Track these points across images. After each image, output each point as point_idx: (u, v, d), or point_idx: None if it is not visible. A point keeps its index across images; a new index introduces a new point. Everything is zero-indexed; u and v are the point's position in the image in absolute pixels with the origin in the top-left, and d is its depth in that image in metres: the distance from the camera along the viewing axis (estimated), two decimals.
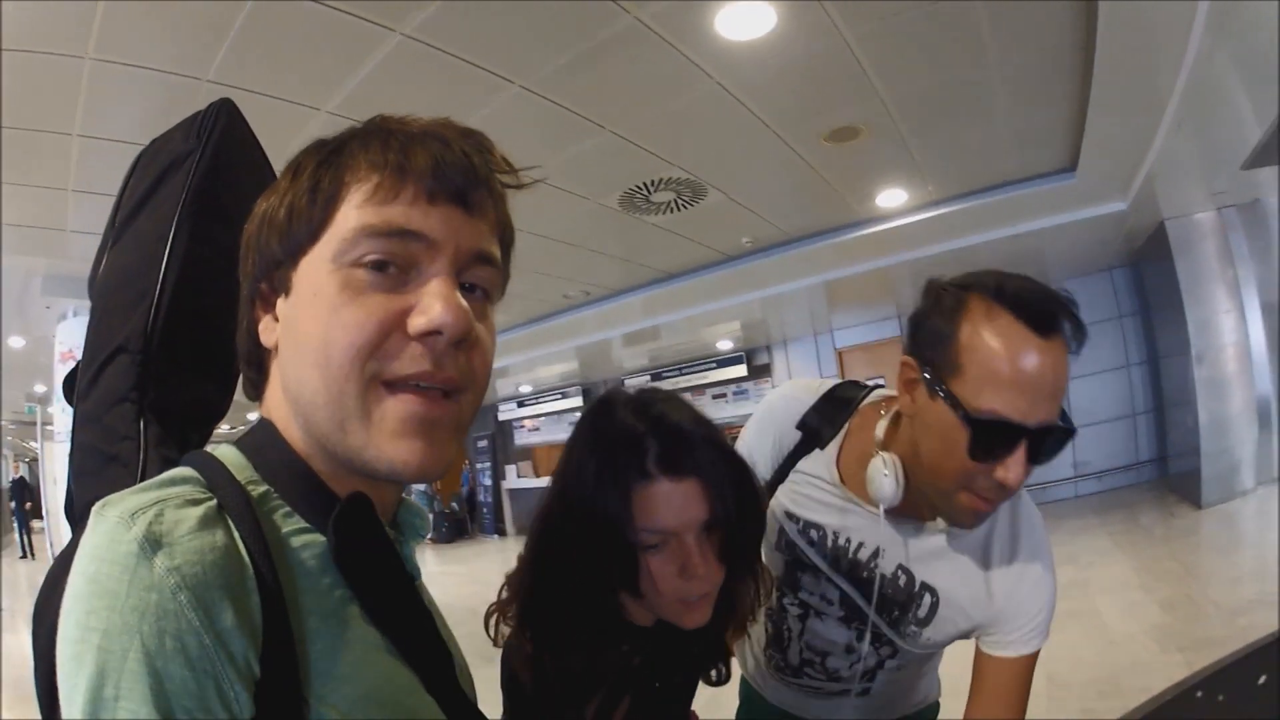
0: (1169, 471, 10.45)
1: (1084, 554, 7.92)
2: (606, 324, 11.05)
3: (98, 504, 0.66)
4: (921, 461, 1.41)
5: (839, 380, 1.75)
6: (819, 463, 1.63)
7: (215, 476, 0.74)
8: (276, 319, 0.82)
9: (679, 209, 6.94)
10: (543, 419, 18.09)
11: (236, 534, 0.68)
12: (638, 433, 1.16)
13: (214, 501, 0.70)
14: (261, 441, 0.82)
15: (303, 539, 0.76)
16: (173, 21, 3.58)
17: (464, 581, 11.98)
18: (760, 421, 1.75)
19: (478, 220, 0.82)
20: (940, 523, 1.52)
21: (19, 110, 4.09)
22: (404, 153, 0.78)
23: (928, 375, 1.35)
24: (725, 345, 13.93)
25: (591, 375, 15.80)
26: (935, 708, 1.95)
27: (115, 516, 0.64)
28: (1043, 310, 1.26)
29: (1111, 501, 10.33)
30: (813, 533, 1.63)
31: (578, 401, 16.54)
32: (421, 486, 17.86)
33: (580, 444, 1.21)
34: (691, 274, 9.15)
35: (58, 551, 1.05)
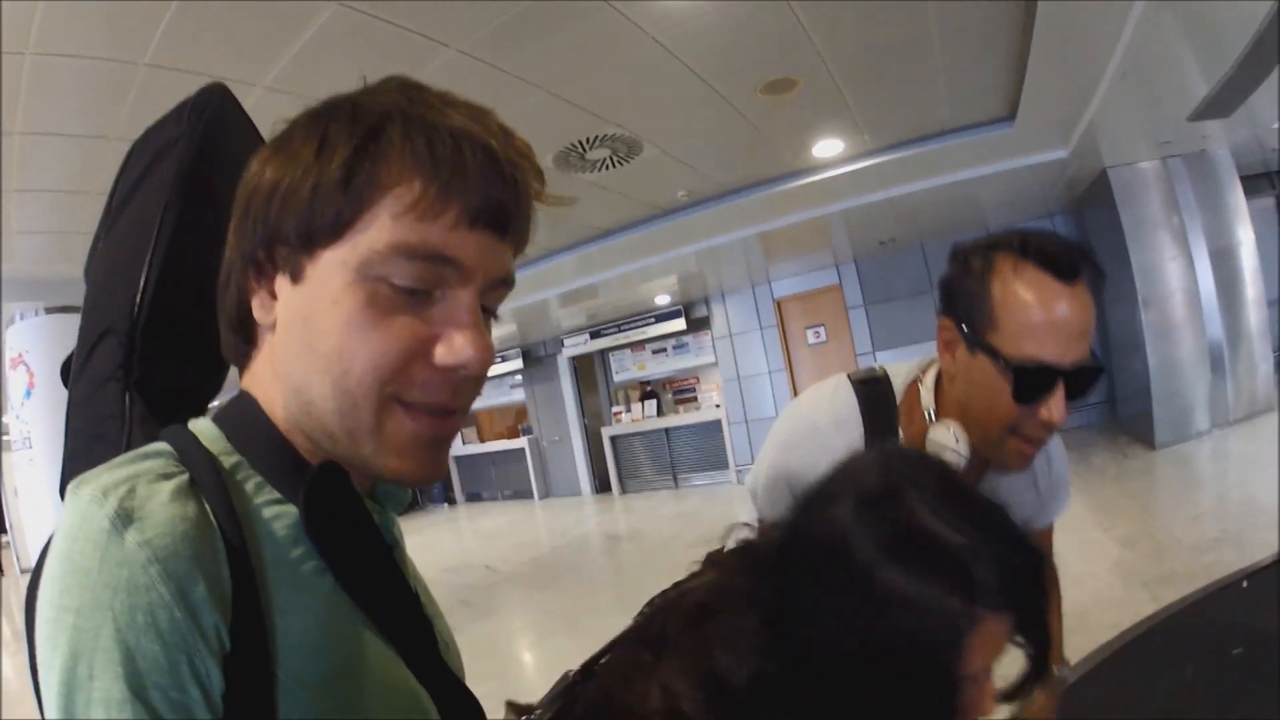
0: (1120, 415, 10.72)
1: None
2: (543, 284, 10.99)
3: (73, 482, 0.67)
4: (971, 415, 1.50)
5: (850, 380, 1.71)
6: None
7: (188, 450, 0.74)
8: (273, 296, 0.80)
9: (614, 165, 6.90)
10: (485, 384, 17.89)
11: (208, 507, 0.69)
12: (967, 552, 0.88)
13: (186, 475, 0.70)
14: (236, 414, 0.82)
15: (275, 510, 0.75)
16: (107, 8, 3.47)
17: (416, 553, 11.94)
18: (804, 459, 1.54)
19: (508, 244, 0.81)
20: (989, 477, 1.64)
21: (66, 117, 4.09)
22: (453, 163, 0.74)
23: (966, 332, 1.44)
24: (663, 300, 13.95)
25: (530, 336, 15.72)
26: None
27: (88, 494, 0.65)
28: (1065, 259, 1.36)
29: (1064, 442, 10.58)
30: None
31: (518, 364, 16.48)
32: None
33: (871, 555, 0.90)
34: (627, 230, 9.12)
35: (25, 565, 1.02)
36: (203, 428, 0.80)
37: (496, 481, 17.14)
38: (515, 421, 17.55)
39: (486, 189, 0.75)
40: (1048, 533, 1.91)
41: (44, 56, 3.68)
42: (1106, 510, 7.11)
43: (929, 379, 1.62)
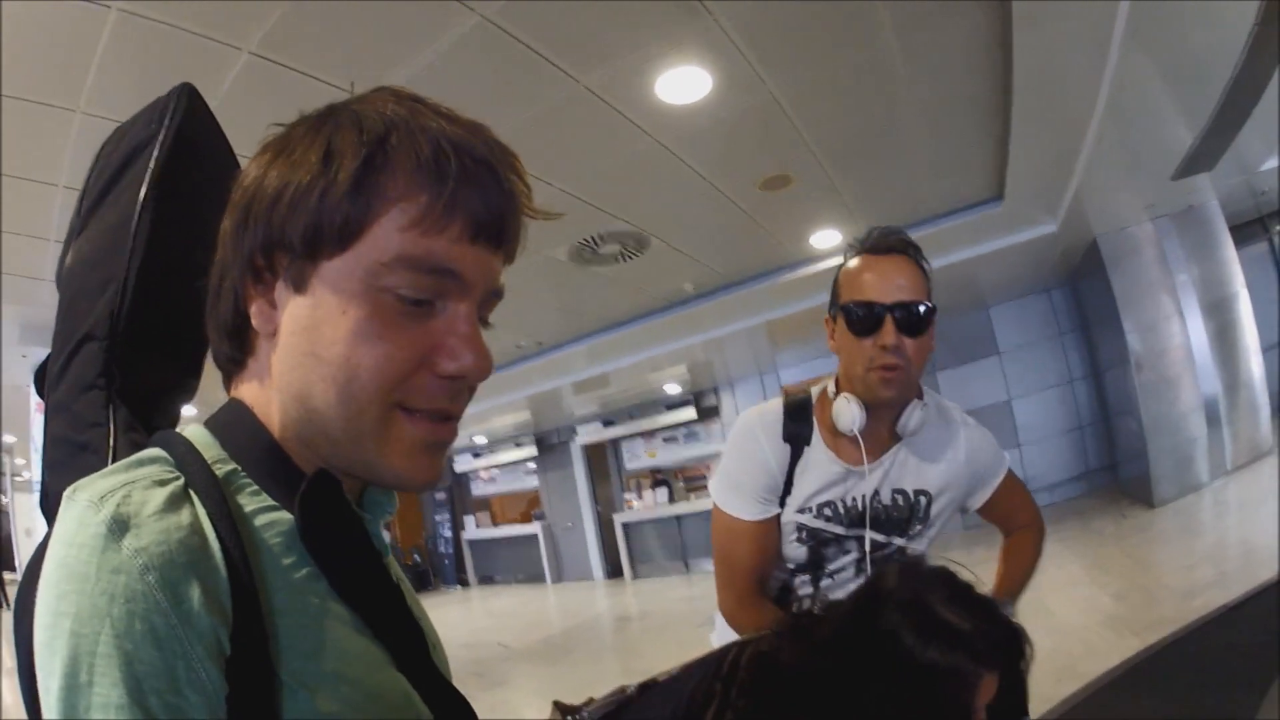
0: (1121, 477, 10.70)
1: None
2: (556, 372, 11.17)
3: (68, 489, 0.67)
4: (848, 374, 1.96)
5: (783, 394, 2.13)
6: (817, 452, 2.02)
7: (183, 456, 0.75)
8: (272, 305, 0.80)
9: (625, 259, 7.20)
10: (498, 469, 18.04)
11: (204, 513, 0.69)
12: (972, 634, 1.24)
13: (181, 481, 0.70)
14: (230, 421, 0.83)
15: (269, 516, 0.76)
16: (165, 77, 3.65)
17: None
18: (744, 456, 2.06)
19: (501, 256, 0.83)
20: (893, 452, 2.02)
21: (6, 157, 4.09)
22: (457, 180, 0.76)
23: (830, 314, 1.99)
24: (673, 389, 14.14)
25: (544, 424, 15.88)
26: None
27: (84, 500, 0.65)
28: (880, 241, 1.93)
29: (1064, 511, 10.61)
30: (827, 510, 2.01)
31: (532, 451, 16.61)
32: (385, 540, 17.76)
33: (912, 640, 1.23)
34: (637, 320, 9.34)
35: None
36: (196, 434, 0.81)
37: (509, 565, 17.13)
38: (528, 507, 17.58)
39: (487, 204, 0.78)
40: (1010, 484, 2.18)
41: (94, 117, 3.89)
42: (1102, 569, 7.20)
43: (833, 379, 2.06)
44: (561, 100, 4.39)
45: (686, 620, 9.49)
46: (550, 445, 16.57)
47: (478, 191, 0.78)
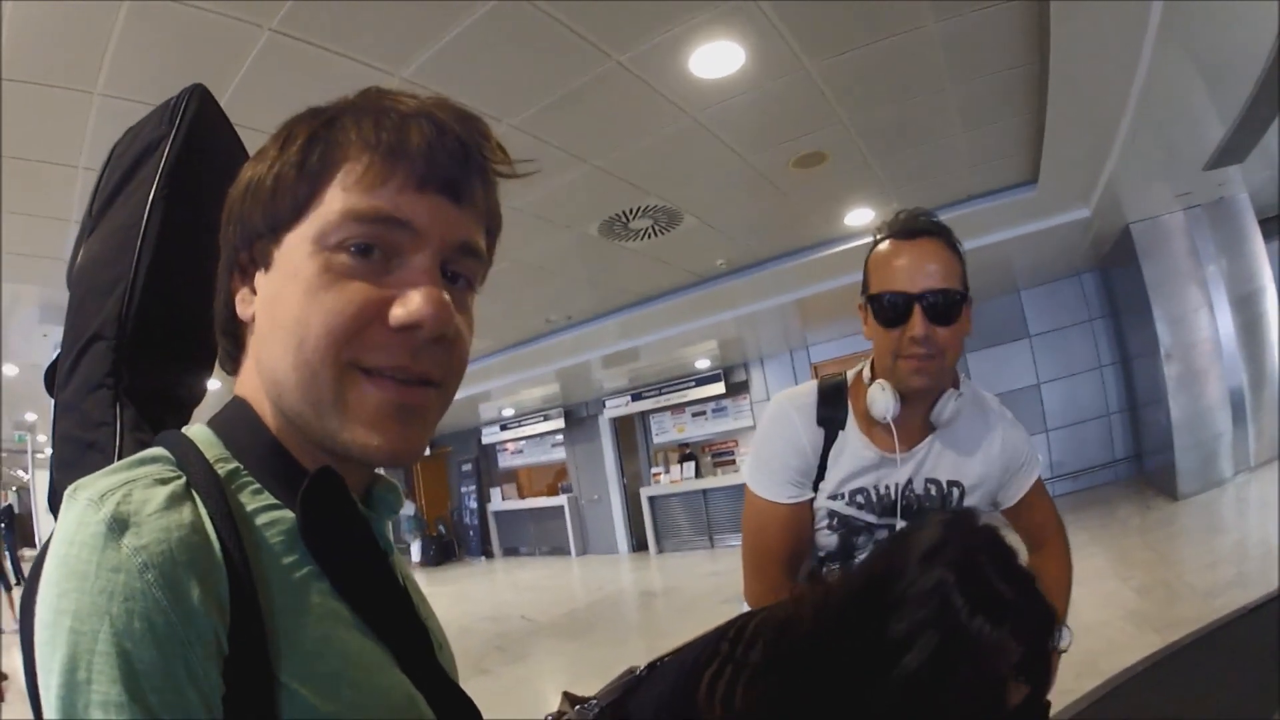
0: (1145, 468, 10.67)
1: None
2: (586, 346, 11.22)
3: (70, 488, 0.67)
4: (879, 363, 1.92)
5: (818, 379, 2.08)
6: (852, 437, 1.97)
7: (185, 455, 0.74)
8: (254, 292, 0.82)
9: (656, 235, 7.20)
10: (525, 441, 18.14)
11: (204, 512, 0.69)
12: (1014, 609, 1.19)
13: (182, 480, 0.70)
14: (232, 419, 0.83)
15: (271, 515, 0.76)
16: (183, 58, 3.67)
17: (453, 601, 12.22)
18: (777, 438, 2.01)
19: (466, 210, 0.82)
20: (929, 441, 1.97)
21: (27, 141, 4.13)
22: (397, 134, 0.77)
23: (862, 302, 1.90)
24: (703, 364, 14.15)
25: (573, 397, 15.95)
26: None
27: (85, 499, 0.65)
28: (906, 225, 1.85)
29: (1089, 499, 10.58)
30: (859, 497, 1.97)
31: (560, 424, 16.72)
32: (410, 511, 17.91)
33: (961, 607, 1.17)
34: (668, 296, 9.36)
35: None
36: (199, 433, 0.81)
37: (534, 537, 17.25)
38: (555, 480, 17.70)
39: (431, 155, 0.78)
40: (1040, 491, 2.12)
41: (111, 99, 3.88)
42: (1126, 562, 7.18)
43: (869, 362, 2.02)
44: (593, 76, 4.35)
45: (711, 596, 9.55)
46: (579, 418, 16.65)
47: (420, 144, 0.78)
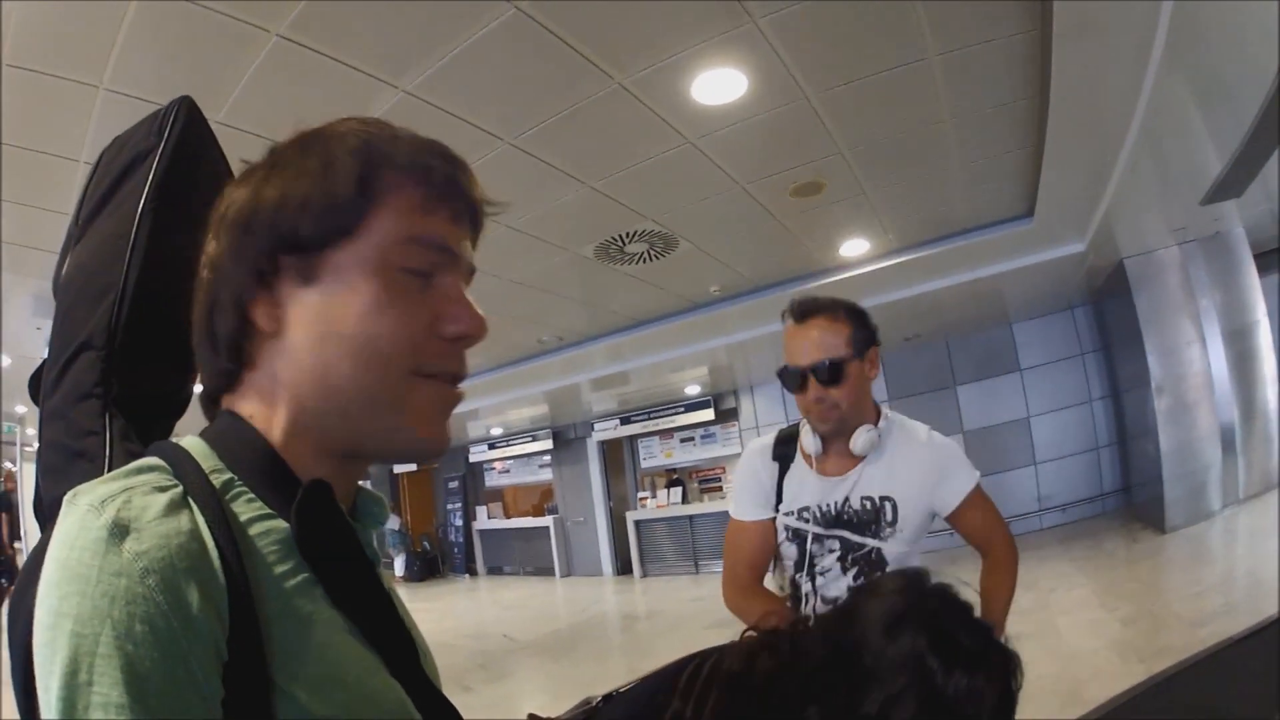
0: (1134, 500, 10.70)
1: (1045, 580, 8.13)
2: (577, 368, 11.21)
3: (69, 493, 0.68)
4: (800, 412, 2.40)
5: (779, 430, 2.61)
6: (798, 468, 2.46)
7: (181, 464, 0.76)
8: (277, 303, 0.83)
9: (651, 259, 7.22)
10: (512, 461, 18.13)
11: (201, 519, 0.70)
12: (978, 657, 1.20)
13: (180, 488, 0.71)
14: (225, 431, 0.84)
15: (265, 524, 0.77)
16: (190, 57, 3.67)
17: (436, 618, 12.13)
18: (744, 473, 2.57)
19: (472, 241, 0.92)
20: (860, 467, 2.38)
21: (27, 130, 4.09)
22: (444, 176, 0.86)
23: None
24: (693, 390, 14.16)
25: (561, 419, 15.94)
26: None
27: (85, 504, 0.66)
28: (797, 310, 2.32)
29: (1077, 531, 10.65)
30: (805, 513, 2.42)
31: (548, 445, 16.70)
32: (394, 525, 17.89)
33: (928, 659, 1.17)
34: (661, 320, 9.38)
35: None
36: (192, 444, 0.82)
37: (519, 557, 17.20)
38: (541, 500, 17.67)
39: (464, 192, 0.88)
40: (979, 503, 2.43)
41: (113, 94, 3.86)
42: (1111, 592, 7.20)
43: None
44: (595, 96, 4.37)
45: (694, 620, 9.49)
46: (566, 440, 16.65)
47: (457, 182, 0.87)
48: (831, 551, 2.42)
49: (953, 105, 4.99)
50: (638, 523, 15.05)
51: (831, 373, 2.25)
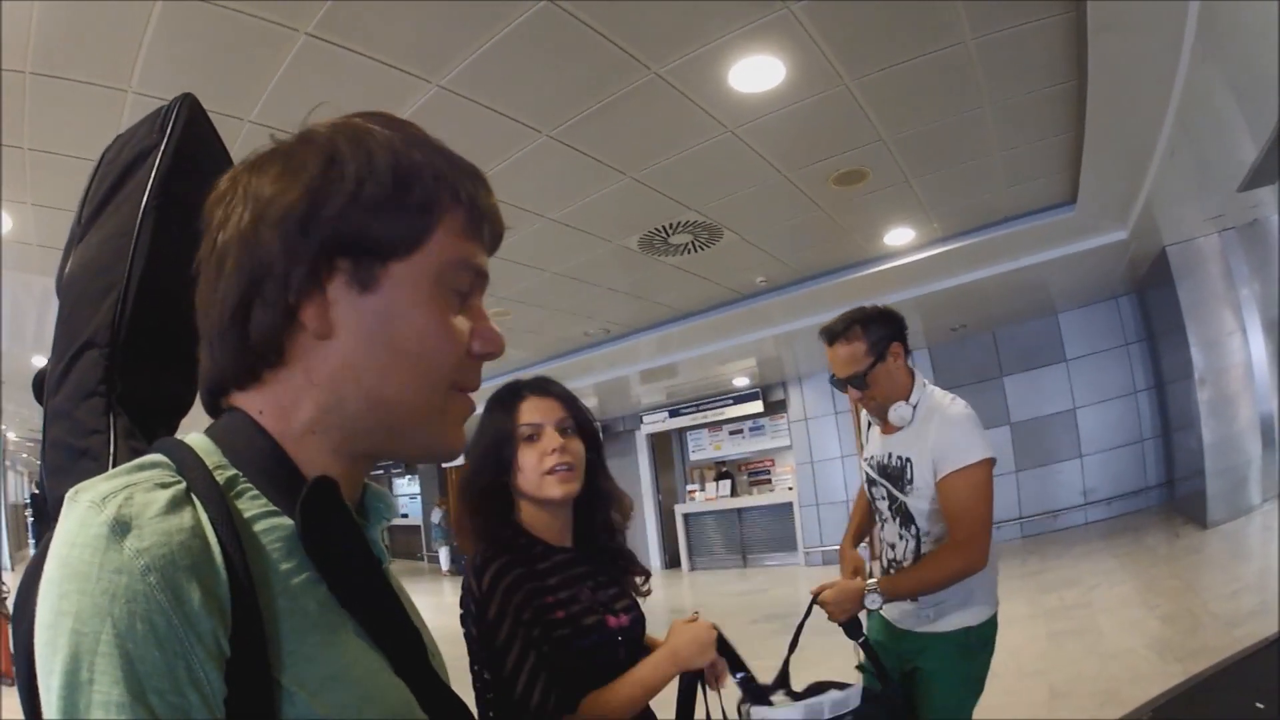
0: (1176, 495, 10.53)
1: (1088, 576, 8.08)
2: (624, 361, 11.25)
3: (70, 491, 0.68)
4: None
5: None
6: (873, 431, 3.12)
7: (184, 461, 0.75)
8: (327, 305, 0.81)
9: (696, 250, 7.22)
10: None
11: (204, 516, 0.70)
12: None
13: (183, 485, 0.71)
14: (231, 428, 0.84)
15: (270, 522, 0.77)
16: (218, 59, 3.73)
17: None
18: None
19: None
20: (899, 434, 2.87)
21: (58, 137, 4.17)
22: (483, 201, 0.88)
23: None
24: (741, 382, 14.15)
25: (609, 412, 15.98)
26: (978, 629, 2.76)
27: (87, 501, 0.66)
28: (826, 334, 2.89)
29: (1120, 526, 10.51)
30: (868, 462, 3.07)
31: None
32: (437, 519, 18.07)
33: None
34: (707, 312, 9.38)
35: None
36: (197, 441, 0.81)
37: None
38: None
39: (498, 216, 0.92)
40: (969, 478, 2.64)
41: (141, 97, 3.89)
42: (1152, 589, 7.12)
43: None
44: (632, 88, 4.38)
45: (742, 615, 9.46)
46: (615, 433, 16.66)
47: (494, 206, 0.91)
48: (883, 498, 2.95)
49: (991, 91, 4.93)
50: (686, 516, 15.09)
51: (859, 381, 2.80)
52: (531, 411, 1.98)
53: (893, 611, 2.86)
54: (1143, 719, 4.16)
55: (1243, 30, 4.14)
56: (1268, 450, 8.59)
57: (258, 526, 0.75)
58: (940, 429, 2.72)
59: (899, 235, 7.51)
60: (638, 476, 16.21)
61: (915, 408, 2.82)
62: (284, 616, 0.72)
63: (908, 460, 2.80)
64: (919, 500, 2.75)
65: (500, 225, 0.93)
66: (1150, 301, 10.52)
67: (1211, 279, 8.75)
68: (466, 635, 1.80)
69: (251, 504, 0.77)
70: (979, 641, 2.74)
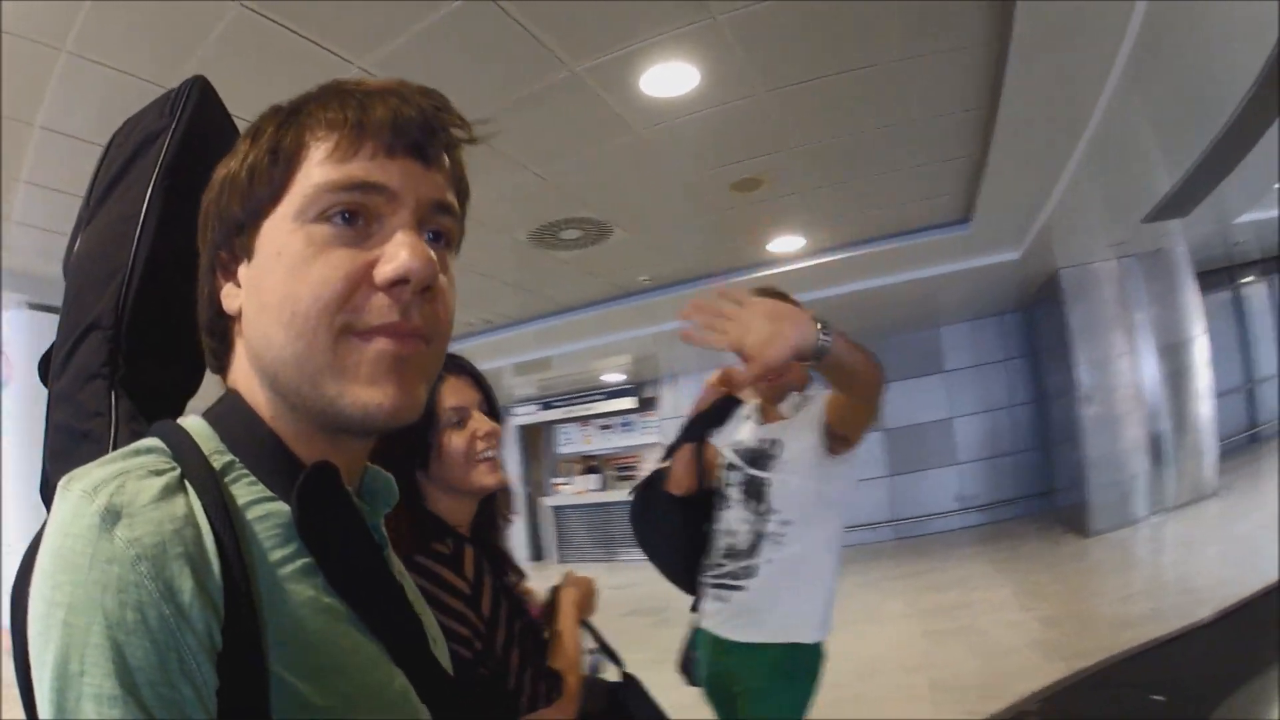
0: (1056, 504, 11.00)
1: (969, 579, 8.36)
2: (502, 352, 11.10)
3: (64, 479, 0.67)
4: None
5: None
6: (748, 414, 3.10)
7: (180, 446, 0.74)
8: (238, 285, 0.82)
9: (585, 245, 7.21)
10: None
11: (198, 503, 0.69)
12: None
13: (177, 472, 0.70)
14: (227, 411, 0.83)
15: (265, 508, 0.76)
16: (153, 27, 3.53)
17: None
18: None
19: (435, 172, 0.83)
20: (778, 423, 2.92)
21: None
22: (362, 109, 0.79)
23: None
24: (616, 378, 14.21)
25: None
26: (805, 650, 2.75)
27: (79, 490, 0.65)
28: None
29: (997, 532, 10.92)
30: (739, 445, 2.99)
31: None
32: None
33: None
34: (590, 307, 9.39)
35: None
36: (194, 425, 0.80)
37: None
38: None
39: (396, 121, 0.79)
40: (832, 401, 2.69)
41: (76, 58, 3.69)
42: (1034, 593, 7.36)
43: None
44: (547, 84, 4.35)
45: (610, 608, 9.35)
46: None
47: (384, 115, 0.79)
48: (736, 483, 2.96)
49: (901, 111, 5.08)
50: (555, 508, 15.10)
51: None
52: (454, 393, 1.82)
53: (720, 617, 2.82)
54: (1030, 710, 4.32)
55: (1175, 62, 4.33)
56: (1158, 466, 9.12)
57: (252, 513, 0.74)
58: (813, 403, 2.79)
59: (789, 242, 7.65)
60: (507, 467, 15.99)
61: (806, 399, 2.86)
62: (279, 606, 0.71)
63: (777, 441, 2.84)
64: (785, 474, 2.76)
65: (409, 125, 0.80)
66: (1037, 319, 11.00)
67: (1105, 302, 9.24)
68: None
69: (247, 490, 0.76)
70: (805, 668, 2.72)
